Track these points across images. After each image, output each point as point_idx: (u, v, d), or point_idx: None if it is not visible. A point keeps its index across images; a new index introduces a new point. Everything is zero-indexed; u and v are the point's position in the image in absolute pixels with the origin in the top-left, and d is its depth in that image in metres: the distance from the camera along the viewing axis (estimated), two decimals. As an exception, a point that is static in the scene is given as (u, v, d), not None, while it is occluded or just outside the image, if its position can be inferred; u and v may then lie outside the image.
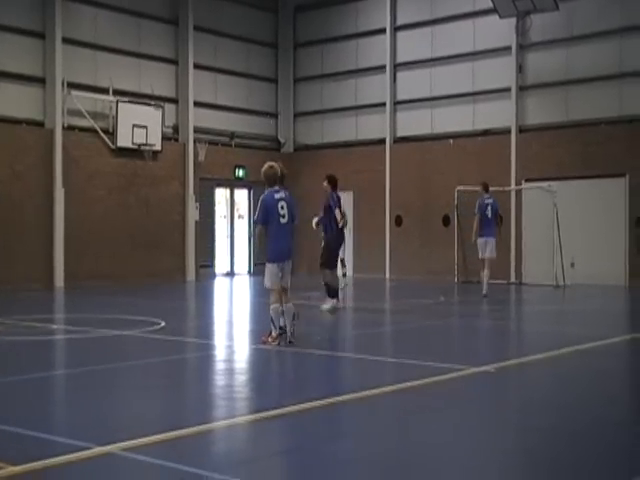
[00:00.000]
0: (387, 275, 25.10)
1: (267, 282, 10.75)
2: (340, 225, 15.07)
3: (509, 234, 22.41)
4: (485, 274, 18.05)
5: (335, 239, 15.29)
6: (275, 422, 6.84)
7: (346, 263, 21.29)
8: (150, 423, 6.80)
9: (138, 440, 6.00)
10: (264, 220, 10.44)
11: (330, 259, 15.27)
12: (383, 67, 25.68)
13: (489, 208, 18.01)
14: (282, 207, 10.47)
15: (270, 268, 10.61)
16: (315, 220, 15.64)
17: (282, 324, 10.70)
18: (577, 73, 22.05)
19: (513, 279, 22.55)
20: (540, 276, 21.68)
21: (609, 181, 21.30)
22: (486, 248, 17.97)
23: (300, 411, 7.04)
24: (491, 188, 21.60)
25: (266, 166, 10.78)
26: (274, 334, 10.63)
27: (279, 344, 10.56)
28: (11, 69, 21.00)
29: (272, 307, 10.63)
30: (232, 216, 26.63)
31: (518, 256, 22.71)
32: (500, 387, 8.54)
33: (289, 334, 10.63)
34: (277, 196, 10.52)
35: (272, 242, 10.49)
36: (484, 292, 17.83)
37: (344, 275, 21.03)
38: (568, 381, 8.85)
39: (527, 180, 22.51)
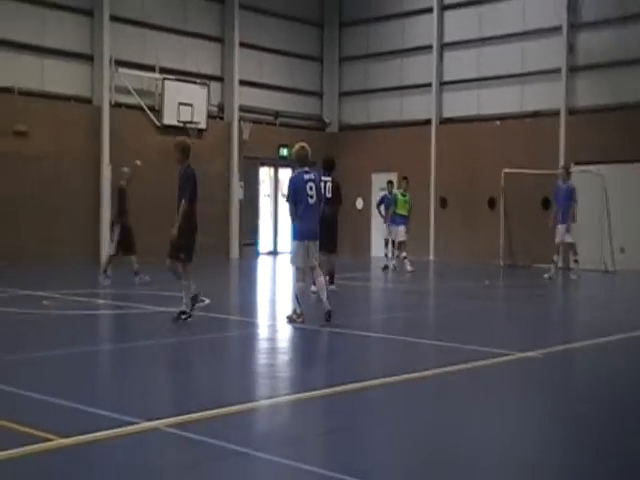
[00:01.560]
0: (431, 257, 24.93)
1: (293, 260, 11.01)
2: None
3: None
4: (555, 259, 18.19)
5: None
6: (319, 402, 6.80)
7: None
8: (195, 400, 6.80)
9: (184, 416, 6.00)
10: (294, 199, 10.63)
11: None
12: (430, 47, 25.39)
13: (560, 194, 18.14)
14: (311, 188, 10.60)
15: (296, 246, 10.81)
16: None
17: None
18: (629, 54, 21.56)
19: (561, 264, 22.19)
20: (589, 261, 21.29)
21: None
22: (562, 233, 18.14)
23: (342, 392, 6.99)
24: (538, 171, 21.37)
25: (297, 146, 10.90)
26: (298, 311, 10.72)
27: (303, 322, 10.63)
28: (59, 46, 21.16)
29: (297, 286, 10.89)
30: (276, 195, 26.60)
31: (564, 240, 22.37)
32: (547, 373, 8.40)
33: (325, 310, 10.64)
34: (306, 177, 10.63)
35: (299, 221, 10.66)
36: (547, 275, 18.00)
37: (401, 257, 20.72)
38: (617, 369, 8.68)
39: (576, 163, 22.09)
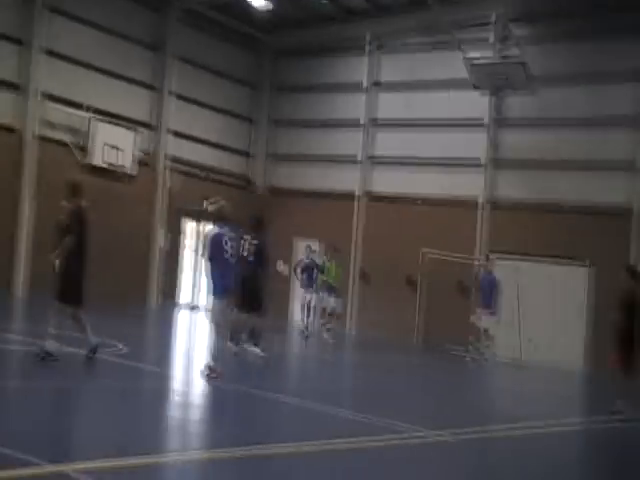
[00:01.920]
0: (348, 329, 24.87)
1: (213, 317, 11.02)
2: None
3: (471, 304, 22.31)
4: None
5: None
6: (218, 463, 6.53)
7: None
8: (104, 447, 6.49)
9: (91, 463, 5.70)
10: (211, 255, 10.67)
11: None
12: (358, 122, 25.68)
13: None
14: (229, 245, 10.73)
15: (216, 303, 10.84)
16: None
17: None
18: (547, 155, 22.37)
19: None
20: (503, 349, 21.45)
21: (571, 266, 21.55)
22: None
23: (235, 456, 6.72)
24: (456, 254, 21.75)
25: (218, 204, 11.12)
26: (213, 367, 10.67)
27: (217, 377, 10.53)
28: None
29: (213, 341, 10.85)
30: (198, 249, 26.10)
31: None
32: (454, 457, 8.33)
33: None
34: (225, 235, 10.75)
35: (219, 278, 10.66)
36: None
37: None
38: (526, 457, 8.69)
39: (491, 252, 22.54)
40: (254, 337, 13.72)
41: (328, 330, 20.10)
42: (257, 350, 13.55)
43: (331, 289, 20.41)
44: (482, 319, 18.51)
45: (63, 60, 22.10)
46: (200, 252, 24.51)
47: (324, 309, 20.62)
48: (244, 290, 12.61)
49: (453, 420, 10.29)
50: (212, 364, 10.66)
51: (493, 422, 10.64)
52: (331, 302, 20.41)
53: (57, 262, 10.25)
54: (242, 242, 13.02)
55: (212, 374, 10.57)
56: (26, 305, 17.12)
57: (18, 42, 21.15)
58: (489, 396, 14.45)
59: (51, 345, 10.15)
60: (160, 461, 6.27)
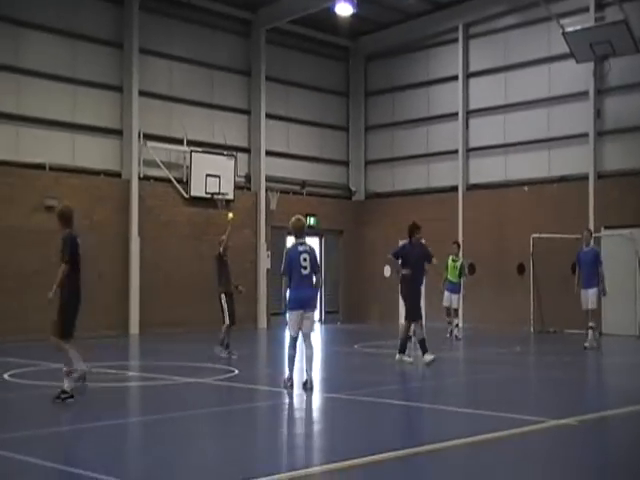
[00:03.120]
0: (460, 324, 24.60)
1: (288, 328, 11.43)
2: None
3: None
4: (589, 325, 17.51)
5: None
6: (345, 474, 6.65)
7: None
8: (224, 474, 6.69)
9: None
10: (286, 269, 11.18)
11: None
12: (455, 114, 25.56)
13: (584, 257, 17.50)
14: (305, 259, 11.10)
15: (288, 315, 11.26)
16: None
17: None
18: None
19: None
20: (621, 326, 20.99)
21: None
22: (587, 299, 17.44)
23: (370, 463, 6.83)
24: (568, 235, 21.20)
25: (294, 218, 11.52)
26: (287, 377, 11.33)
27: (291, 387, 11.09)
28: (90, 122, 21.56)
29: (289, 353, 11.36)
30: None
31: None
32: (583, 442, 8.17)
33: (305, 379, 11.17)
34: (301, 249, 11.18)
35: (293, 291, 11.13)
36: (585, 344, 17.19)
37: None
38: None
39: (606, 227, 21.92)
40: (422, 345, 13.92)
41: (457, 327, 20.25)
42: (429, 357, 13.76)
43: (453, 286, 20.23)
44: (585, 300, 17.37)
45: (159, 99, 22.94)
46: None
47: (448, 308, 20.31)
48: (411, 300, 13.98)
49: (578, 406, 10.11)
50: (288, 375, 11.28)
51: (620, 404, 10.34)
52: (454, 300, 20.21)
53: (50, 293, 9.94)
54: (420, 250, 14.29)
55: (287, 382, 11.20)
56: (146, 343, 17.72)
57: (118, 89, 22.11)
58: (612, 378, 14.01)
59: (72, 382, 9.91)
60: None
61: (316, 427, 9.10)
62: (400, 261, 14.19)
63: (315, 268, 11.23)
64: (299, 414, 9.91)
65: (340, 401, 10.47)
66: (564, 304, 21.04)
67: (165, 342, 19.21)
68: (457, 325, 20.38)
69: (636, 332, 20.49)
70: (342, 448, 7.61)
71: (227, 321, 15.25)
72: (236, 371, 12.97)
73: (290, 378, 11.18)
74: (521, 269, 23.36)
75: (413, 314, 14.10)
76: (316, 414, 10.12)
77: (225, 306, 15.31)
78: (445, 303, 20.34)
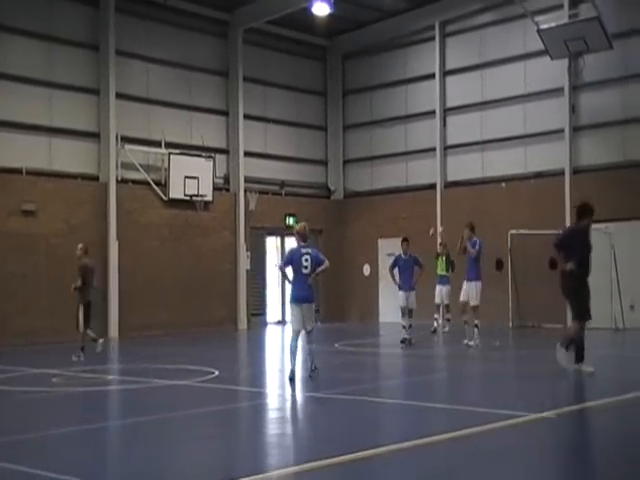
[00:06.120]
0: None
1: (290, 322, 12.78)
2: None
3: (564, 277, 22.03)
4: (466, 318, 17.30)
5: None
6: (326, 472, 6.69)
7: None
8: (206, 474, 6.71)
9: None
10: (286, 264, 12.53)
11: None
12: (433, 112, 25.67)
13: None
14: (306, 260, 12.25)
15: (290, 308, 12.51)
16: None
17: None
18: (633, 112, 21.71)
19: (569, 323, 21.98)
20: (598, 319, 21.07)
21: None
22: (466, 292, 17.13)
23: (350, 461, 6.88)
24: (545, 231, 21.33)
25: (299, 225, 12.75)
26: (291, 367, 12.10)
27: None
28: (67, 125, 21.47)
29: (291, 345, 12.25)
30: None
31: (575, 299, 22.17)
32: (562, 435, 8.26)
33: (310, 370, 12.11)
34: (304, 250, 12.38)
35: (293, 288, 12.44)
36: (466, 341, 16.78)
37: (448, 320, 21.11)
38: (635, 429, 8.53)
39: (582, 221, 22.05)
40: (579, 352, 12.21)
41: (448, 321, 20.88)
42: (587, 369, 12.14)
43: (444, 280, 20.59)
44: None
45: (136, 101, 22.88)
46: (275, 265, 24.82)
47: (439, 305, 20.76)
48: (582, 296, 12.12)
49: (557, 399, 10.21)
50: (290, 368, 12.03)
51: (598, 396, 10.45)
52: (445, 295, 20.71)
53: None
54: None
55: (290, 375, 11.91)
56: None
57: (95, 92, 22.02)
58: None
59: None
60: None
61: (297, 426, 9.15)
62: (561, 252, 12.08)
63: (318, 265, 12.34)
64: (280, 414, 9.94)
65: (321, 400, 10.52)
66: (542, 299, 21.25)
67: (145, 345, 19.18)
68: (449, 320, 20.78)
69: (612, 325, 20.69)
70: (323, 447, 7.64)
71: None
72: (216, 372, 12.98)
73: (292, 371, 11.94)
74: (499, 265, 23.49)
75: (583, 313, 12.15)
76: (297, 413, 10.16)
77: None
78: (437, 299, 20.65)
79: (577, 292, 12.06)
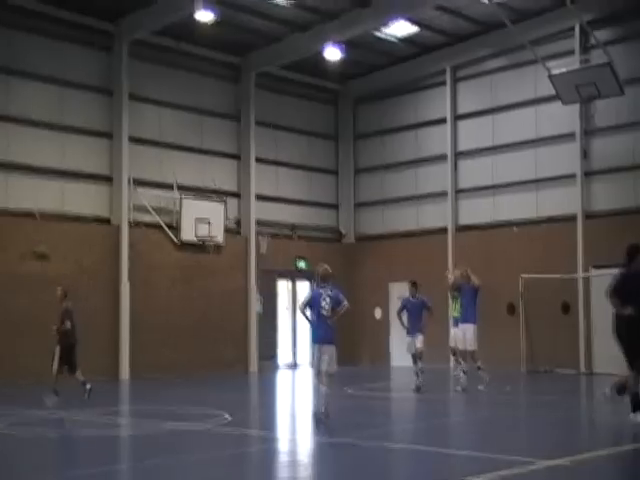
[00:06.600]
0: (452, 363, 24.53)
1: (310, 362, 12.98)
2: None
3: (577, 322, 21.88)
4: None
5: None
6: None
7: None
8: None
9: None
10: (306, 305, 12.53)
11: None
12: (444, 156, 25.76)
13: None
14: (325, 300, 12.31)
15: (310, 348, 12.67)
16: None
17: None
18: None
19: (583, 369, 21.83)
20: (612, 365, 20.86)
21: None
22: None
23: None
24: (556, 275, 21.23)
25: (321, 268, 12.74)
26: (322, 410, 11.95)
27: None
28: (79, 168, 21.63)
29: (316, 387, 12.37)
30: (294, 307, 26.46)
31: (587, 345, 21.95)
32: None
33: (322, 413, 11.79)
34: (323, 291, 12.44)
35: (313, 328, 12.50)
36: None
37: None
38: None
39: (595, 267, 21.97)
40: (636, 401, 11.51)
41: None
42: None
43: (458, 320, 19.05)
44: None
45: (148, 145, 23.06)
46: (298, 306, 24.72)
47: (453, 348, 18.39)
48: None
49: (571, 445, 10.05)
50: (319, 409, 11.86)
51: (613, 443, 10.29)
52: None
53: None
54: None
55: (315, 416, 11.80)
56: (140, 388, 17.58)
57: (108, 136, 22.21)
58: (603, 417, 13.95)
59: None
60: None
61: (307, 472, 9.02)
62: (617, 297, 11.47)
63: (337, 305, 12.33)
64: (289, 458, 9.82)
65: (333, 445, 10.38)
66: (554, 343, 21.10)
67: (156, 387, 19.07)
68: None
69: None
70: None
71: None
72: (228, 416, 12.88)
73: (316, 412, 11.97)
74: (511, 309, 23.38)
75: None
76: (307, 459, 10.03)
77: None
78: (451, 343, 18.51)
79: (637, 338, 11.28)
